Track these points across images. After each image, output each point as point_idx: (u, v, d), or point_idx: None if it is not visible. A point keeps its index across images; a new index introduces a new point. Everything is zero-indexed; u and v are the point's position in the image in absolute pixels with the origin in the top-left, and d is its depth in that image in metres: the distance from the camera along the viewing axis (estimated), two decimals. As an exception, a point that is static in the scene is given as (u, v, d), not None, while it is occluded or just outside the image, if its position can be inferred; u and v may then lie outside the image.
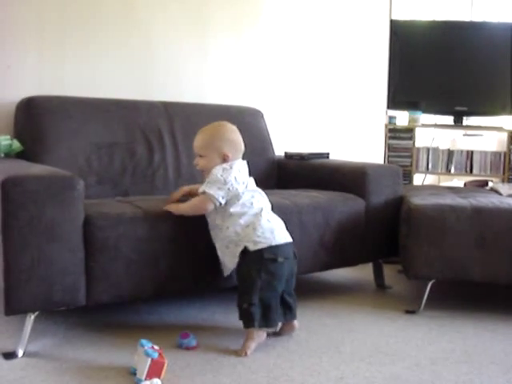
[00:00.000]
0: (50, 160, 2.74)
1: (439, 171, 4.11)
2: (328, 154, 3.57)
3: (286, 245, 2.38)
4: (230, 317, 2.53)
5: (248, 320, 2.28)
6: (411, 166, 4.01)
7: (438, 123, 4.31)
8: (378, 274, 3.24)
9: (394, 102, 4.14)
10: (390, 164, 3.86)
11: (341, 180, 3.15)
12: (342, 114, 4.37)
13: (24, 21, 3.01)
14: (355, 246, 2.99)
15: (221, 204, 2.33)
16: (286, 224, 2.62)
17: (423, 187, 3.61)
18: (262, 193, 2.48)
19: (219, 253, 2.41)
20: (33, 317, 2.18)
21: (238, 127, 3.42)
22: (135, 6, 3.37)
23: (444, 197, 3.02)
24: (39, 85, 3.07)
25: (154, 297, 2.70)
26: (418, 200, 2.90)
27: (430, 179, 4.75)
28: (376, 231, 3.06)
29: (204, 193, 2.34)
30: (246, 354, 2.24)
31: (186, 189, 2.55)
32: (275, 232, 2.36)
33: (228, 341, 2.36)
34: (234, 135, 2.49)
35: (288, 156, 3.57)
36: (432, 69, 4.09)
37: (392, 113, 4.16)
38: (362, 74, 4.45)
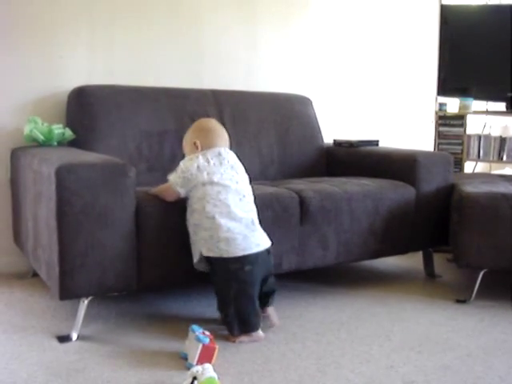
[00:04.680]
0: (102, 148, 2.79)
1: (491, 159, 4.04)
2: (377, 141, 3.54)
3: (249, 255, 2.22)
4: (278, 304, 2.52)
5: (227, 328, 2.25)
6: (462, 153, 3.95)
7: (490, 110, 4.23)
8: (428, 262, 3.21)
9: (445, 88, 4.08)
10: (440, 151, 3.81)
11: (391, 167, 3.12)
12: (391, 101, 4.32)
13: (75, 12, 3.06)
14: (405, 234, 2.96)
15: (180, 193, 2.27)
16: (335, 212, 2.61)
17: (475, 175, 3.55)
18: (249, 193, 2.35)
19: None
20: (86, 301, 2.23)
21: (286, 114, 3.42)
22: (184, -5, 3.39)
23: (496, 185, 2.96)
24: (90, 74, 3.12)
25: (203, 283, 2.73)
26: (469, 188, 2.85)
27: (481, 167, 4.67)
28: (426, 219, 3.03)
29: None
30: (234, 341, 2.23)
31: None
32: (233, 243, 2.19)
33: (276, 328, 2.37)
34: (205, 124, 2.44)
35: (337, 143, 3.54)
36: (483, 54, 4.01)
37: (442, 99, 4.11)
38: (412, 60, 4.38)
